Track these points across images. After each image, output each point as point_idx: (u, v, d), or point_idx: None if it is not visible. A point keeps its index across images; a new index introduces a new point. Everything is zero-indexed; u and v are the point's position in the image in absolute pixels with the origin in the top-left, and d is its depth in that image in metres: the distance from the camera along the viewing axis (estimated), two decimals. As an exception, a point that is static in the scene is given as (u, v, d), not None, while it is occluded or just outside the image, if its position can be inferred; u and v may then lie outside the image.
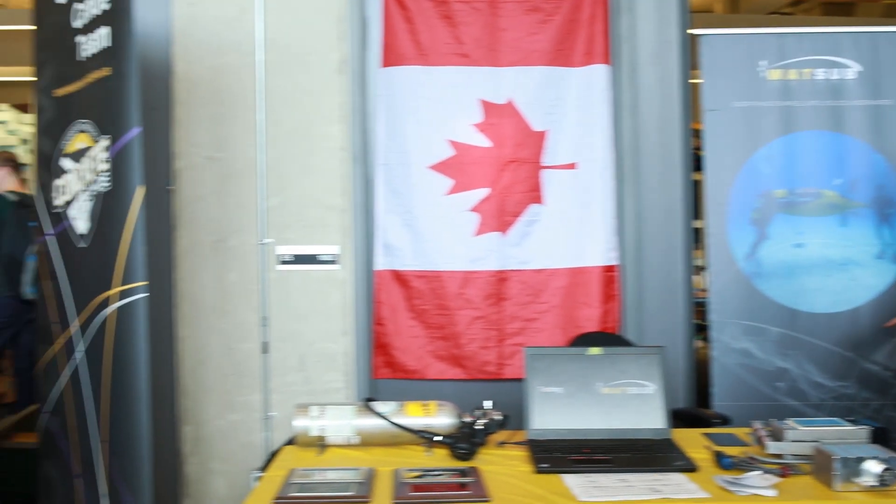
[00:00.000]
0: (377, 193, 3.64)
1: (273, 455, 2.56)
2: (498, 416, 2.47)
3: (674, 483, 2.09)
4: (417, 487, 2.10)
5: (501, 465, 2.29)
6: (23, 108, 10.89)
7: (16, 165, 6.13)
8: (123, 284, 2.69)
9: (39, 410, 3.37)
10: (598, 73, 3.62)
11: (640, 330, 3.67)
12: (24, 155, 10.56)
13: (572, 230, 3.65)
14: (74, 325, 3.00)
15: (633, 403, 2.48)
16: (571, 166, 3.64)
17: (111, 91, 2.75)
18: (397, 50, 3.62)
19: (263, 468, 2.51)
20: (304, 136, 3.55)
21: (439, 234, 3.65)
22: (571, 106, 3.64)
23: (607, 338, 3.50)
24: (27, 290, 4.88)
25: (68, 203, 3.04)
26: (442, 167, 3.62)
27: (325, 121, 3.56)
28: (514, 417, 2.49)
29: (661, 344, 2.73)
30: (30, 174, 10.02)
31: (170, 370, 3.53)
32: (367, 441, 2.46)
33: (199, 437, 3.60)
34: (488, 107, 3.63)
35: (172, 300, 3.54)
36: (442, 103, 3.63)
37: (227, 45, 3.55)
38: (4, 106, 10.75)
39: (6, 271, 5.47)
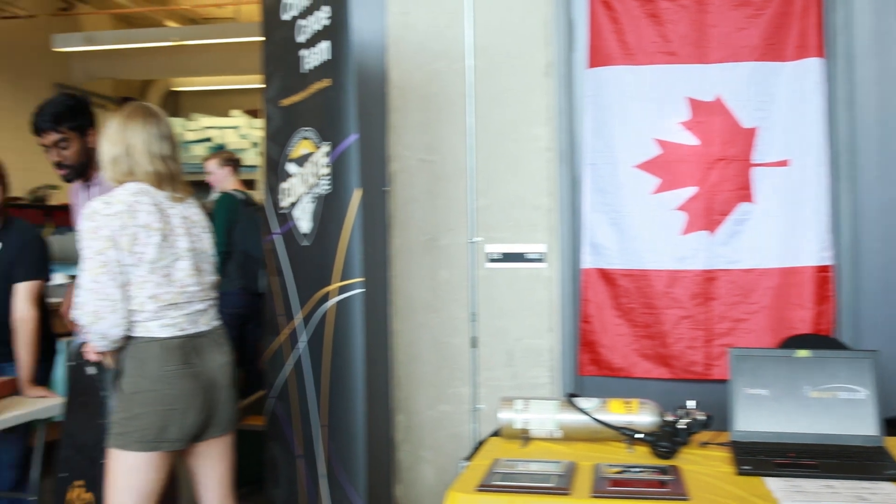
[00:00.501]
0: (584, 193, 3.68)
1: (479, 445, 2.67)
2: (701, 417, 2.46)
3: (883, 492, 2.03)
4: (617, 482, 2.14)
5: (702, 466, 2.29)
6: (253, 113, 11.63)
7: (236, 165, 6.48)
8: (342, 280, 2.88)
9: (267, 395, 3.65)
10: (811, 67, 3.51)
11: (857, 333, 3.51)
12: (254, 158, 11.29)
13: (784, 229, 3.55)
14: (298, 318, 3.23)
15: (843, 409, 2.40)
16: (783, 163, 3.54)
17: (331, 100, 2.96)
18: (604, 50, 3.65)
19: (469, 457, 2.61)
20: (512, 137, 3.65)
21: (646, 232, 3.65)
22: (783, 101, 3.53)
23: (820, 340, 3.38)
24: (262, 284, 5.13)
25: (293, 204, 3.27)
26: (649, 166, 3.62)
27: (532, 122, 3.64)
28: (717, 419, 2.48)
29: (879, 348, 2.62)
30: (258, 176, 10.66)
31: (384, 362, 3.71)
32: (570, 435, 2.52)
33: (411, 426, 3.78)
34: (696, 104, 3.59)
35: (387, 296, 3.72)
36: (649, 102, 3.62)
37: (438, 52, 3.69)
38: (236, 112, 11.52)
39: (239, 266, 5.87)
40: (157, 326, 2.80)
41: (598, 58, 3.66)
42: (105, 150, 2.91)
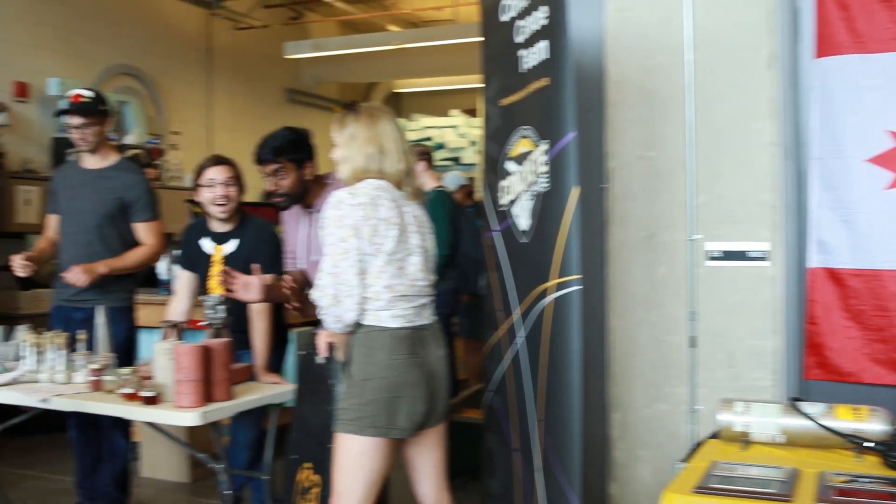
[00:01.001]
0: (810, 188, 3.53)
1: (697, 447, 2.63)
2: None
3: None
4: (844, 492, 2.06)
5: (940, 478, 2.17)
6: (471, 112, 11.87)
7: (430, 160, 6.60)
8: (560, 277, 2.92)
9: (484, 389, 3.74)
10: None
11: None
12: (472, 156, 11.53)
13: None
14: (516, 313, 3.29)
15: None
16: None
17: (550, 99, 2.99)
18: (831, 39, 3.48)
19: (687, 458, 2.58)
20: (733, 132, 3.55)
21: (879, 231, 3.45)
22: None
23: None
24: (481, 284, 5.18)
25: (512, 202, 3.34)
26: (881, 160, 3.42)
27: (755, 116, 3.53)
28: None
29: None
30: (476, 174, 10.90)
31: (601, 358, 3.71)
32: (793, 441, 2.44)
33: (627, 424, 3.76)
34: (935, 94, 3.37)
35: (604, 293, 3.72)
36: (882, 92, 3.42)
37: (656, 46, 3.65)
38: (455, 111, 11.79)
39: (455, 266, 6.01)
40: (387, 316, 2.95)
41: (825, 47, 3.50)
42: (353, 153, 3.06)
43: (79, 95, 4.41)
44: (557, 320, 2.95)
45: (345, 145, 3.08)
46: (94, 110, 4.42)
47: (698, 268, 3.60)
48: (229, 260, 4.10)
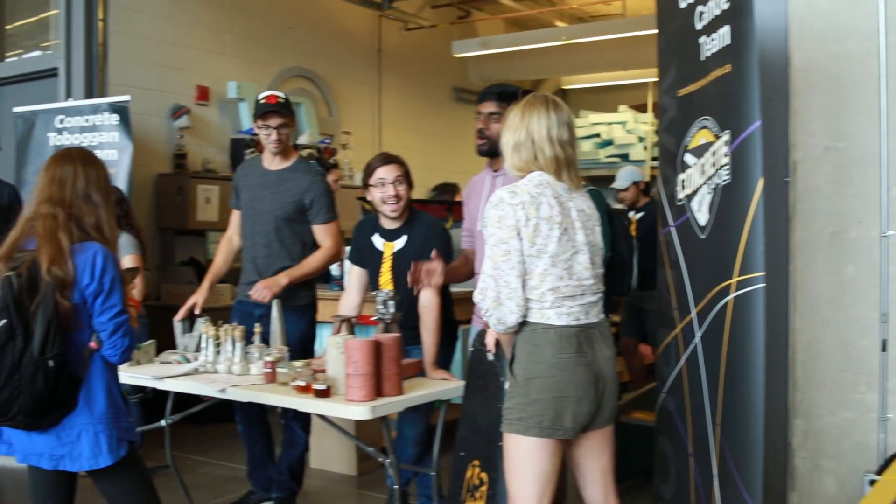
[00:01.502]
0: None
1: (891, 459, 2.45)
2: None
3: None
4: None
5: None
6: (639, 108, 11.62)
7: None
8: (742, 275, 2.77)
9: (657, 390, 3.62)
10: None
11: None
12: (641, 152, 11.29)
13: None
14: (693, 312, 3.16)
15: None
16: None
17: (732, 87, 2.85)
18: None
19: (880, 471, 2.41)
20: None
21: None
22: None
23: None
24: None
25: (690, 196, 3.20)
26: None
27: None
28: None
29: None
30: (645, 170, 10.70)
31: (783, 361, 3.51)
32: None
33: (809, 432, 3.55)
34: None
35: (788, 292, 3.53)
36: None
37: (845, 31, 3.44)
38: (623, 107, 11.57)
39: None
40: (554, 315, 2.88)
41: None
42: (507, 139, 3.03)
43: (274, 97, 4.49)
44: (738, 320, 2.81)
45: (503, 134, 3.04)
46: (291, 111, 4.53)
47: (892, 266, 3.36)
48: (399, 256, 4.13)
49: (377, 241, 4.22)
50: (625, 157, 10.96)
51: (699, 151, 3.12)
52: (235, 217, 4.76)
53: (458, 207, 6.75)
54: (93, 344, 2.94)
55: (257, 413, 4.58)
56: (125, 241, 5.01)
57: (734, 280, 2.80)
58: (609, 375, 2.96)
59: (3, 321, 2.81)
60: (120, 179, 6.02)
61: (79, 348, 2.93)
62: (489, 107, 3.83)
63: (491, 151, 3.84)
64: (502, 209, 2.88)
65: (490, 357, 3.28)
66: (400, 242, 4.16)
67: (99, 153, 3.93)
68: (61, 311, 2.84)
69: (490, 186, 3.87)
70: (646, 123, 11.35)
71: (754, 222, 2.74)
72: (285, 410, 4.50)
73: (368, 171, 4.18)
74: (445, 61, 10.82)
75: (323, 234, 4.53)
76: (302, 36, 8.96)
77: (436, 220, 4.30)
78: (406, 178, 4.15)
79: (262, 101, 4.47)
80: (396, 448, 3.97)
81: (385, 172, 4.11)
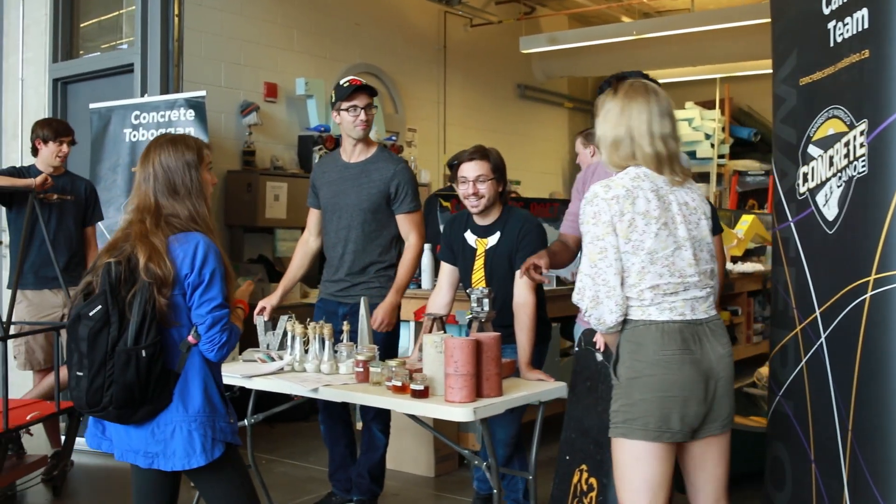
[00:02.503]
0: None
1: None
2: None
3: None
4: None
5: None
6: (706, 105, 11.40)
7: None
8: (879, 272, 2.60)
9: (773, 393, 3.45)
10: None
11: None
12: (707, 150, 11.07)
13: None
14: (817, 311, 3.00)
15: None
16: None
17: (870, 74, 2.68)
18: None
19: None
20: None
21: None
22: None
23: None
24: None
25: (814, 190, 3.04)
26: None
27: None
28: None
29: None
30: (710, 168, 10.37)
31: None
32: None
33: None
34: None
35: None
36: None
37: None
38: (690, 104, 11.37)
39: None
40: (655, 310, 2.74)
41: None
42: (605, 133, 2.88)
43: (357, 79, 4.42)
44: (875, 320, 2.64)
45: (599, 126, 2.90)
46: (375, 93, 4.44)
47: None
48: (492, 253, 4.02)
49: (470, 237, 4.11)
50: (692, 155, 10.76)
51: (826, 143, 2.95)
52: (313, 216, 4.66)
53: (534, 205, 6.60)
54: (191, 338, 2.85)
55: (340, 413, 4.50)
56: None
57: (871, 278, 2.64)
58: (723, 375, 2.80)
59: (99, 307, 2.74)
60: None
61: (175, 343, 2.85)
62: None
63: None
64: (596, 205, 2.75)
65: (599, 357, 3.15)
66: (493, 239, 4.05)
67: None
68: (158, 307, 2.77)
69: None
70: (713, 120, 11.14)
71: (893, 217, 2.57)
72: (365, 412, 4.41)
73: (453, 166, 4.08)
74: (510, 58, 10.70)
75: (408, 224, 4.42)
76: (368, 32, 8.89)
77: (530, 215, 4.18)
78: (493, 174, 4.02)
79: (346, 84, 4.38)
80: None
81: (466, 170, 4.02)
